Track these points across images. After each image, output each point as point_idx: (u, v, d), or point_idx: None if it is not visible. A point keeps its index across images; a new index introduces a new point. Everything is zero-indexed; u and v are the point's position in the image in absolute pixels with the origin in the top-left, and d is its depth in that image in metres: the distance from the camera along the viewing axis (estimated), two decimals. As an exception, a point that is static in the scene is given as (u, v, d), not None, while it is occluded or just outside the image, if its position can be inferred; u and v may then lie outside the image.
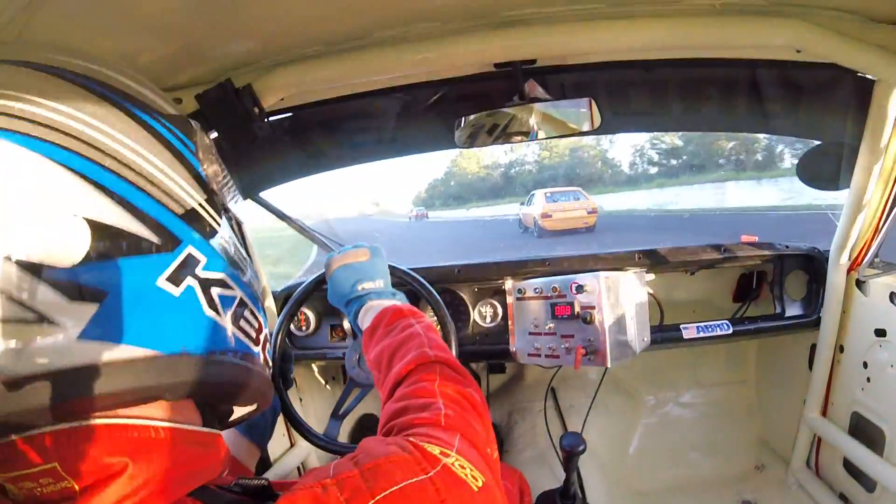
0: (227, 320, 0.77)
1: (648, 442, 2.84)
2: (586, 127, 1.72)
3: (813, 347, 2.13)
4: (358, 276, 1.45)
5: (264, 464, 2.22)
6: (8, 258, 0.57)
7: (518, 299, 2.02)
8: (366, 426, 2.81)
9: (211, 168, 0.83)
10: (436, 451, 0.74)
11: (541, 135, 1.78)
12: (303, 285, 1.85)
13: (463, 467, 0.74)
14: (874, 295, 1.86)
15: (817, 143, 2.02)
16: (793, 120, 2.12)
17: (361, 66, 1.52)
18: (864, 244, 1.87)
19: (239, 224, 0.93)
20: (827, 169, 1.93)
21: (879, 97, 1.58)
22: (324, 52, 1.54)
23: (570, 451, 1.79)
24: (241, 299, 0.81)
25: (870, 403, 1.88)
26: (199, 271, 0.72)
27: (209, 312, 0.73)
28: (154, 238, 0.67)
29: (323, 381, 2.69)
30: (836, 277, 1.95)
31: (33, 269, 0.58)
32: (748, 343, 2.75)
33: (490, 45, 1.48)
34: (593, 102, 1.67)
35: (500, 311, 2.14)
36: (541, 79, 1.68)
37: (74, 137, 0.65)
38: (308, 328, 2.32)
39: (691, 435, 2.81)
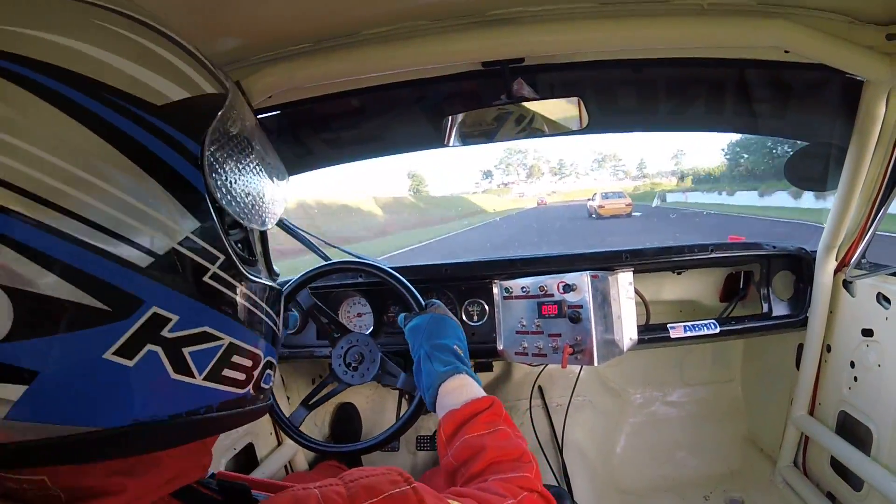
0: (202, 378, 0.63)
1: (635, 441, 2.85)
2: (574, 126, 1.72)
3: (800, 347, 2.14)
4: (458, 338, 1.49)
5: (251, 462, 2.22)
6: None
7: (505, 298, 2.01)
8: (342, 417, 2.82)
9: (228, 165, 0.68)
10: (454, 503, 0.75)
11: (529, 134, 1.78)
12: (289, 283, 1.84)
13: None
14: (861, 295, 1.87)
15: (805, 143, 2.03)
16: (781, 120, 2.13)
17: (349, 63, 1.51)
18: (852, 245, 1.88)
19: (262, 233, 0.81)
20: (815, 170, 1.94)
21: (868, 98, 1.58)
22: (312, 50, 1.53)
23: None
24: (229, 346, 0.67)
25: (857, 403, 1.89)
26: (165, 333, 0.58)
27: (176, 376, 0.60)
28: (101, 305, 0.53)
29: (310, 379, 2.68)
30: (824, 278, 1.96)
31: None
32: (735, 342, 2.77)
33: (478, 44, 1.47)
34: (581, 101, 1.67)
35: (486, 309, 2.14)
36: (529, 77, 1.68)
37: None
38: (293, 327, 2.31)
39: (678, 434, 2.82)
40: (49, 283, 0.50)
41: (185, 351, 0.60)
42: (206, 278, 0.63)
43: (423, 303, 1.67)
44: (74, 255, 0.51)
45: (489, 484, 0.94)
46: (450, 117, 1.77)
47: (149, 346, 0.57)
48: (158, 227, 0.57)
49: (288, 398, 2.51)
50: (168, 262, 0.58)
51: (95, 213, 0.52)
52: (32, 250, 0.49)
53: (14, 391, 0.50)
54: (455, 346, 1.44)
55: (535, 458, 1.09)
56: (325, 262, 1.88)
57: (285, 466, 2.42)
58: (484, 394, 1.27)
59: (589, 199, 34.95)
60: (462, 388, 1.28)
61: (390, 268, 1.83)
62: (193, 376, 0.62)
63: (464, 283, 2.14)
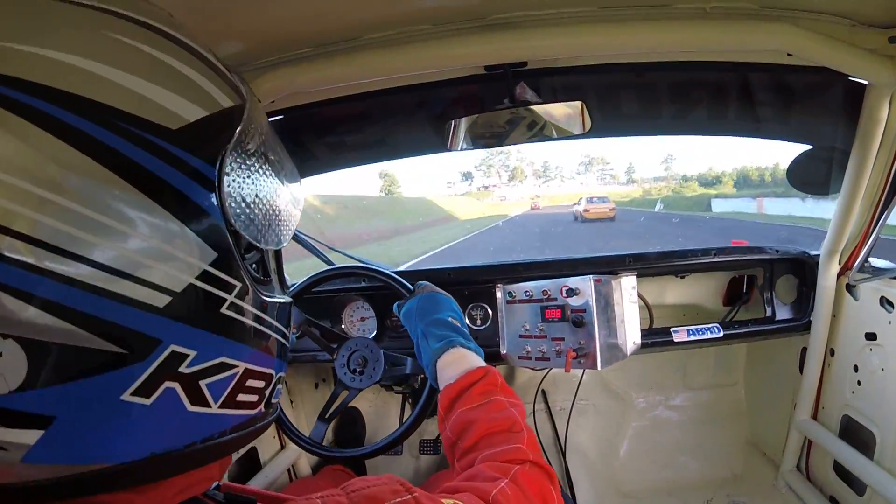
0: (217, 407, 0.62)
1: (638, 444, 2.85)
2: (577, 130, 1.71)
3: (803, 351, 2.14)
4: (451, 310, 1.52)
5: (254, 466, 2.21)
6: None
7: (508, 302, 2.01)
8: (346, 421, 2.81)
9: (246, 186, 0.64)
10: (449, 502, 0.74)
11: (539, 138, 1.78)
12: (294, 287, 1.84)
13: None
14: (864, 299, 1.86)
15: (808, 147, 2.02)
16: (784, 124, 2.13)
17: (352, 68, 1.51)
18: (855, 249, 1.87)
19: (276, 253, 0.78)
20: (817, 174, 1.94)
21: (870, 102, 1.58)
22: (314, 55, 1.53)
23: None
24: (244, 372, 0.65)
25: (860, 407, 1.89)
26: (183, 369, 0.57)
27: (193, 408, 0.59)
28: (119, 349, 0.52)
29: (314, 384, 2.68)
30: (827, 282, 1.96)
31: None
32: (738, 346, 2.76)
33: (480, 48, 1.48)
34: (584, 105, 1.66)
35: (490, 314, 2.14)
36: (531, 81, 1.68)
37: None
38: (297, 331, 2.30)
39: (681, 437, 2.82)
40: (63, 332, 0.48)
41: (202, 383, 0.59)
42: (223, 309, 0.61)
43: (410, 286, 1.69)
44: (86, 301, 0.49)
45: (479, 469, 0.93)
46: (452, 121, 1.77)
47: (166, 384, 0.55)
48: (175, 264, 0.55)
49: (291, 402, 2.51)
50: (186, 298, 0.56)
51: (108, 256, 0.50)
52: (42, 299, 0.47)
53: (31, 436, 0.49)
54: (450, 318, 1.46)
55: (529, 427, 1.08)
56: (305, 278, 1.87)
57: (288, 470, 2.42)
58: (480, 364, 1.29)
59: (575, 204, 37.86)
60: (458, 362, 1.30)
61: (374, 264, 1.84)
62: (209, 406, 0.60)
63: (467, 287, 2.14)
